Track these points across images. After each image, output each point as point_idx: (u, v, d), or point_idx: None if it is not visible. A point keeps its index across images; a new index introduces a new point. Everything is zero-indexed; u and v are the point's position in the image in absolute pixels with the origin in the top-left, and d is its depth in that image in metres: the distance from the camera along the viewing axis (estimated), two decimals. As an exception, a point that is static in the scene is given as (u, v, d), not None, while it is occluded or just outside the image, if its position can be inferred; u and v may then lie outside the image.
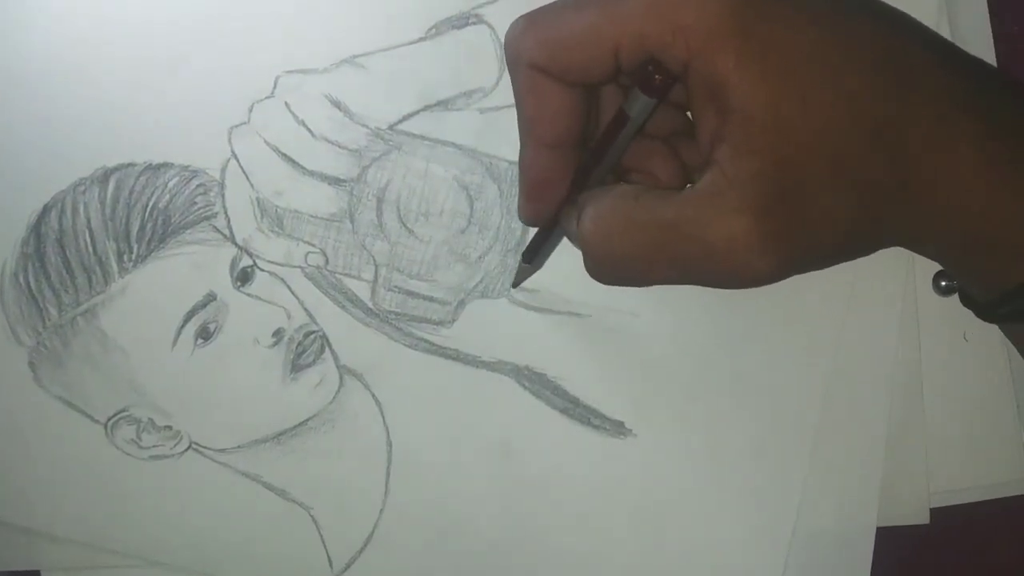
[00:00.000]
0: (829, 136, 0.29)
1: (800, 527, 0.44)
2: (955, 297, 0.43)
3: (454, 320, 0.44)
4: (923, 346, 0.44)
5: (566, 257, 0.44)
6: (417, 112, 0.44)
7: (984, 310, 0.34)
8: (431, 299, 0.44)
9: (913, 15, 0.37)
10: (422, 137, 0.44)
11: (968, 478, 0.45)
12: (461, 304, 0.44)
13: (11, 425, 0.45)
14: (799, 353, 0.44)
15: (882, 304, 0.44)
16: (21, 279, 0.44)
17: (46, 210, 0.44)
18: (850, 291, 0.44)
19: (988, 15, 0.43)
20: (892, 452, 0.44)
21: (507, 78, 0.43)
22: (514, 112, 0.44)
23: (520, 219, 0.39)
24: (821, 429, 0.44)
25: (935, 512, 0.44)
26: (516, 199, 0.44)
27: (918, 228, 0.32)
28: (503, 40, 0.36)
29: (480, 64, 0.44)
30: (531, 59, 0.34)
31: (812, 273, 0.44)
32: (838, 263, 0.33)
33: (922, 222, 0.32)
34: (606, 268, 0.34)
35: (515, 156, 0.44)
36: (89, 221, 0.44)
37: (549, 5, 0.34)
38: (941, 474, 0.44)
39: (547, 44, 0.33)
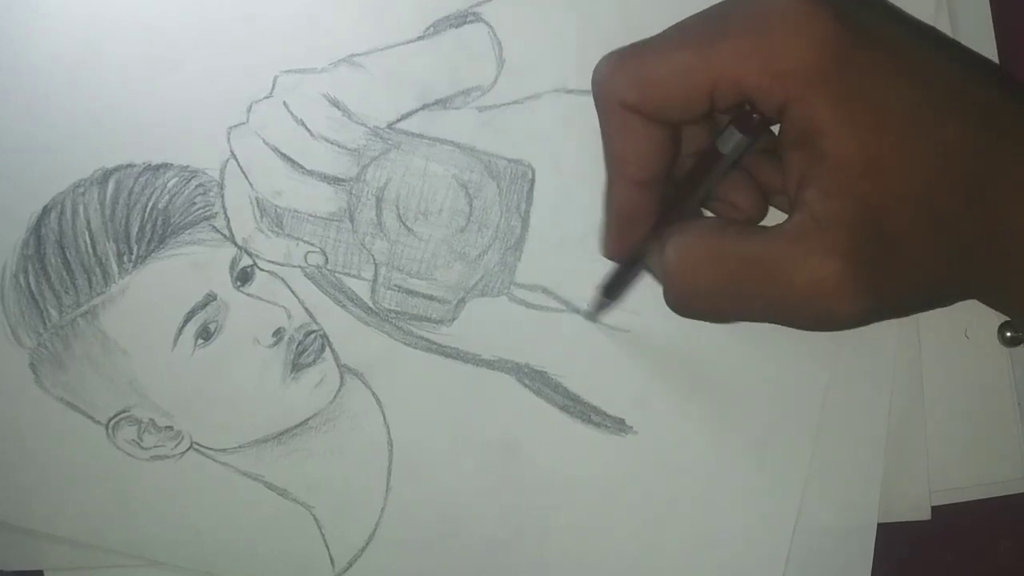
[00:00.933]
0: (922, 187, 0.30)
1: (801, 524, 0.44)
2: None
3: (454, 318, 0.44)
4: (923, 343, 0.44)
5: (567, 255, 0.44)
6: (416, 111, 0.44)
7: None
8: (431, 297, 0.44)
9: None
10: (421, 136, 0.44)
11: (969, 476, 0.45)
12: (461, 302, 0.44)
13: (13, 426, 0.45)
14: (800, 351, 0.44)
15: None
16: (21, 281, 0.44)
17: (46, 212, 0.44)
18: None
19: (990, 15, 0.43)
20: (893, 449, 0.44)
21: (505, 75, 0.44)
22: (512, 109, 0.44)
23: (603, 254, 0.39)
24: (822, 426, 0.44)
25: (936, 510, 0.44)
26: (515, 196, 0.44)
27: (1006, 279, 0.32)
28: (594, 78, 0.35)
29: (478, 62, 0.44)
30: (622, 98, 0.34)
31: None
32: (919, 312, 0.33)
33: (1010, 273, 0.31)
34: (688, 300, 0.34)
35: (513, 153, 0.44)
36: (89, 222, 0.44)
37: (640, 43, 0.35)
38: (942, 472, 0.44)
39: (640, 83, 0.33)
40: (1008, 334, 0.40)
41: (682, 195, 0.36)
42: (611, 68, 0.34)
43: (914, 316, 0.44)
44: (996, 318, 0.45)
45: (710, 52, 0.32)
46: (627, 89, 0.34)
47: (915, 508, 0.44)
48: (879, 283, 0.30)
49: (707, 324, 0.43)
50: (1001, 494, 0.45)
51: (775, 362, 0.44)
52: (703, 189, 0.35)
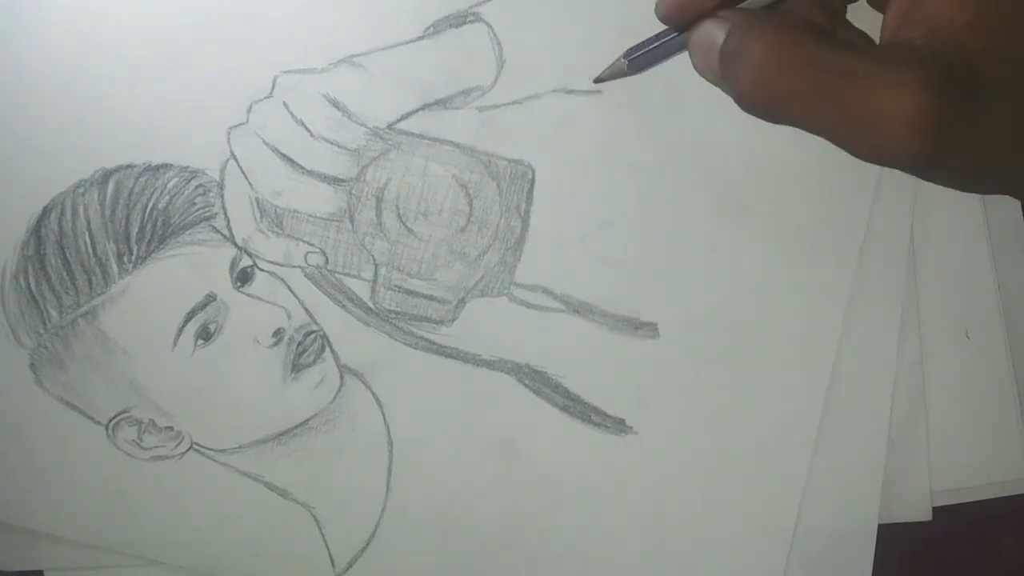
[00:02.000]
0: (1019, 46, 0.29)
1: (802, 524, 0.44)
2: (955, 296, 0.43)
3: (454, 319, 0.44)
4: (925, 344, 0.44)
5: (567, 255, 0.44)
6: (416, 111, 0.44)
7: None
8: (431, 298, 0.44)
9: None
10: (421, 136, 0.44)
11: (970, 477, 0.45)
12: (461, 303, 0.44)
13: (13, 426, 0.45)
14: (801, 351, 0.44)
15: (884, 302, 0.44)
16: (22, 281, 0.44)
17: (46, 212, 0.44)
18: (852, 289, 0.44)
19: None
20: (894, 449, 0.44)
21: (505, 76, 0.44)
22: (512, 110, 0.44)
23: (657, 14, 0.35)
24: (823, 427, 0.44)
25: (938, 511, 0.44)
26: (515, 196, 0.44)
27: None
28: None
29: (478, 62, 0.44)
30: None
31: (814, 270, 0.44)
32: (981, 189, 0.33)
33: None
34: (762, 96, 0.31)
35: (513, 153, 0.44)
36: (89, 223, 0.44)
37: None
38: (943, 473, 0.44)
39: None
40: None
41: None
42: None
43: (915, 317, 0.44)
44: (998, 318, 0.45)
45: None
46: None
47: (916, 508, 0.44)
48: (951, 128, 0.30)
49: (708, 322, 0.44)
50: (1002, 494, 0.45)
51: (776, 363, 0.44)
52: None
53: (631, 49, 0.36)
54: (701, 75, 0.33)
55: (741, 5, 0.34)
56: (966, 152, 0.31)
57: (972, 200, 0.45)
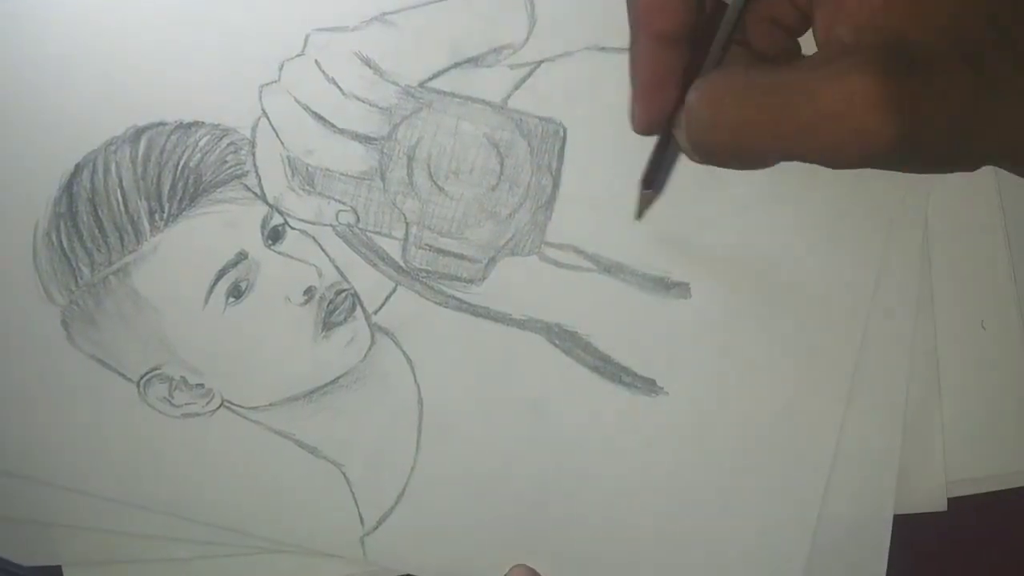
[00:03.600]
0: (948, 20, 0.29)
1: (819, 515, 0.43)
2: (970, 286, 0.43)
3: (484, 278, 0.44)
4: (940, 335, 0.44)
5: (598, 213, 0.44)
6: (447, 69, 0.44)
7: None
8: (461, 257, 0.44)
9: None
10: (452, 94, 0.44)
11: (985, 467, 0.44)
12: (492, 262, 0.44)
13: (45, 383, 0.45)
14: (830, 315, 0.44)
15: (899, 294, 0.44)
16: (54, 238, 0.45)
17: (78, 169, 0.44)
18: (869, 282, 0.44)
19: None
20: (910, 440, 0.44)
21: (537, 33, 0.44)
22: (544, 68, 0.44)
23: (633, 128, 0.36)
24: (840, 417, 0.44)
25: (953, 501, 0.44)
26: (546, 155, 0.44)
27: None
28: None
29: (510, 20, 0.44)
30: None
31: (834, 263, 0.44)
32: (947, 167, 0.32)
33: None
34: (709, 134, 0.32)
35: (544, 112, 0.44)
36: (121, 180, 0.44)
37: None
38: (958, 463, 0.44)
39: None
40: None
41: (703, 50, 0.35)
42: None
43: (931, 308, 0.44)
44: (1014, 309, 0.45)
45: None
46: None
47: (931, 499, 0.44)
48: (911, 103, 0.29)
49: (739, 284, 0.43)
50: (1018, 485, 0.44)
51: (806, 325, 0.44)
52: (720, 40, 0.34)
53: (644, 177, 0.38)
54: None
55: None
56: (933, 126, 0.30)
57: (988, 189, 0.45)
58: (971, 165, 0.32)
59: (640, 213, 0.40)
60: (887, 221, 0.44)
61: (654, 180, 0.38)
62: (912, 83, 0.29)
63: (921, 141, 0.30)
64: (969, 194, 0.45)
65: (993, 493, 0.45)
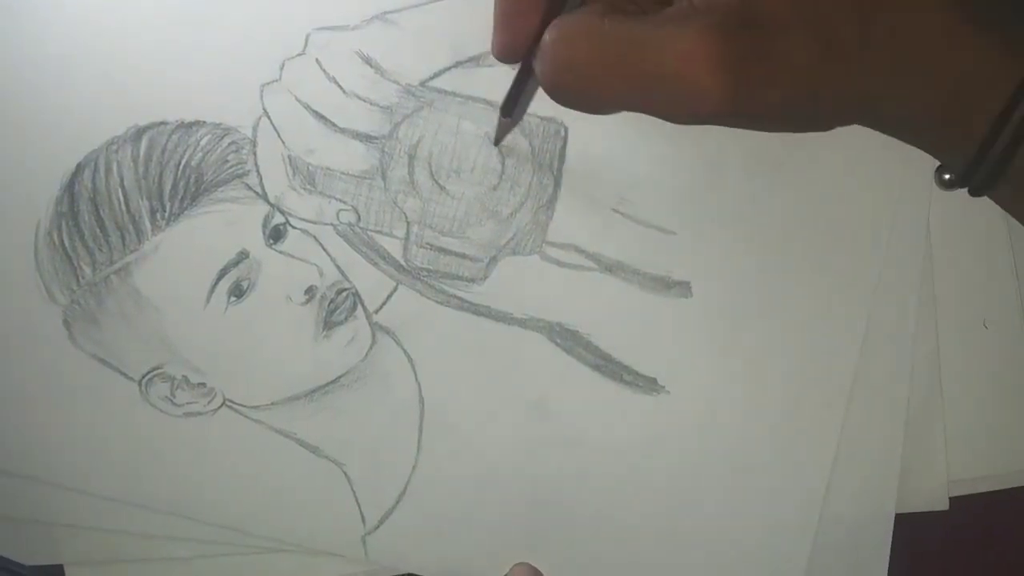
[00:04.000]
0: None
1: (820, 514, 0.43)
2: (972, 285, 0.43)
3: (486, 277, 0.44)
4: (942, 333, 0.44)
5: (600, 213, 0.44)
6: (448, 68, 0.44)
7: (971, 179, 0.33)
8: (463, 256, 0.44)
9: None
10: (453, 93, 0.44)
11: (987, 466, 0.44)
12: (493, 261, 0.44)
13: (47, 383, 0.45)
14: (832, 312, 0.44)
15: (900, 293, 0.44)
16: (55, 238, 0.45)
17: (79, 169, 0.44)
18: (870, 280, 0.44)
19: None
20: (911, 439, 0.44)
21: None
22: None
23: (493, 54, 0.36)
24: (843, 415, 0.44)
25: (955, 500, 0.44)
26: (547, 154, 0.44)
27: (880, 90, 0.31)
28: None
29: (511, 19, 0.44)
30: None
31: (836, 262, 0.44)
32: (793, 127, 0.33)
33: (884, 83, 0.31)
34: (561, 75, 0.32)
35: (546, 111, 0.44)
36: (122, 179, 0.44)
37: None
38: (960, 462, 0.44)
39: None
40: (945, 176, 0.38)
41: None
42: None
43: (932, 306, 0.44)
44: (1016, 307, 0.45)
45: None
46: None
47: (933, 498, 0.44)
48: (748, 65, 0.30)
49: (741, 283, 0.43)
50: (1020, 484, 0.44)
51: (808, 323, 0.44)
52: None
53: (503, 105, 0.38)
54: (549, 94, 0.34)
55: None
56: (766, 87, 0.31)
57: None
58: (823, 126, 0.33)
59: (498, 139, 0.41)
60: (889, 220, 0.44)
61: (513, 109, 0.38)
62: (748, 45, 0.30)
63: (754, 101, 0.30)
64: None
65: (995, 492, 0.45)
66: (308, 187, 0.44)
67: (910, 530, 0.43)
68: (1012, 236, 0.45)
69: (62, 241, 0.45)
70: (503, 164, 0.44)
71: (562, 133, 0.44)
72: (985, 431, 0.44)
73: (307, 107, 0.44)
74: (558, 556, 0.44)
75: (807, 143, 0.44)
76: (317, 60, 0.44)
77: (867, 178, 0.45)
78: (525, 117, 0.44)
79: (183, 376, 0.45)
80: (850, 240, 0.44)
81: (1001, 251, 0.45)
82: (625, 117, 0.43)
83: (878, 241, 0.44)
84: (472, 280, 0.44)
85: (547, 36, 0.32)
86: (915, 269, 0.44)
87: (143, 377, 0.45)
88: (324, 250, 0.44)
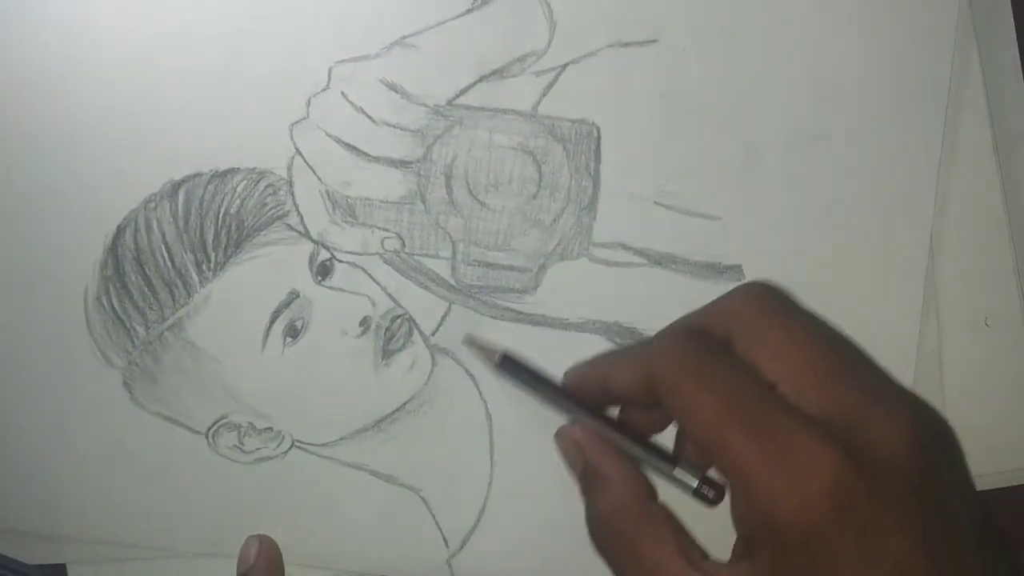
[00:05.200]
0: None
1: None
2: (974, 283, 0.44)
3: (537, 286, 0.44)
4: (943, 331, 0.44)
5: (641, 207, 0.44)
6: (473, 84, 0.44)
7: None
8: (511, 268, 0.44)
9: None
10: (482, 108, 0.44)
11: (989, 465, 0.44)
12: (542, 269, 0.44)
13: (115, 447, 0.45)
14: (886, 279, 0.44)
15: (902, 291, 0.44)
16: (104, 302, 0.45)
17: (120, 231, 0.45)
18: (871, 280, 0.44)
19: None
20: None
21: (558, 37, 0.44)
22: (569, 70, 0.44)
23: (566, 376, 0.39)
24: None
25: None
26: (583, 156, 0.44)
27: None
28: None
29: (530, 27, 0.44)
30: None
31: (838, 262, 0.44)
32: None
33: None
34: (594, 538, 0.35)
35: (576, 114, 0.44)
36: (164, 236, 0.44)
37: None
38: None
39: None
40: None
41: (632, 435, 0.36)
42: None
43: (934, 304, 0.44)
44: (1018, 305, 0.45)
45: None
46: None
47: None
48: None
49: (792, 262, 0.44)
50: (1020, 482, 0.44)
51: (864, 292, 0.44)
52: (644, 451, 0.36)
53: (508, 358, 0.40)
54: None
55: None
56: None
57: (991, 186, 0.45)
58: None
59: (473, 343, 0.43)
60: (891, 217, 0.44)
61: (508, 372, 0.41)
62: None
63: None
64: (973, 192, 0.45)
65: (996, 490, 0.44)
66: (349, 220, 0.44)
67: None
68: (1013, 234, 0.45)
69: (112, 304, 0.45)
70: (540, 172, 0.44)
71: (595, 133, 0.44)
72: (987, 429, 0.44)
73: (338, 140, 0.44)
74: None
75: (843, 115, 0.44)
76: (343, 93, 0.44)
77: (869, 178, 0.44)
78: (555, 123, 0.44)
79: (249, 423, 0.45)
80: (853, 236, 0.44)
81: (1003, 249, 0.45)
82: (656, 111, 0.44)
83: (879, 239, 0.44)
84: (524, 291, 0.44)
85: (592, 507, 0.35)
86: (918, 268, 0.44)
87: (209, 429, 0.45)
88: (373, 280, 0.44)
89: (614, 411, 0.37)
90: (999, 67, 0.45)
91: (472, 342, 0.42)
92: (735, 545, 0.32)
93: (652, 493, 0.34)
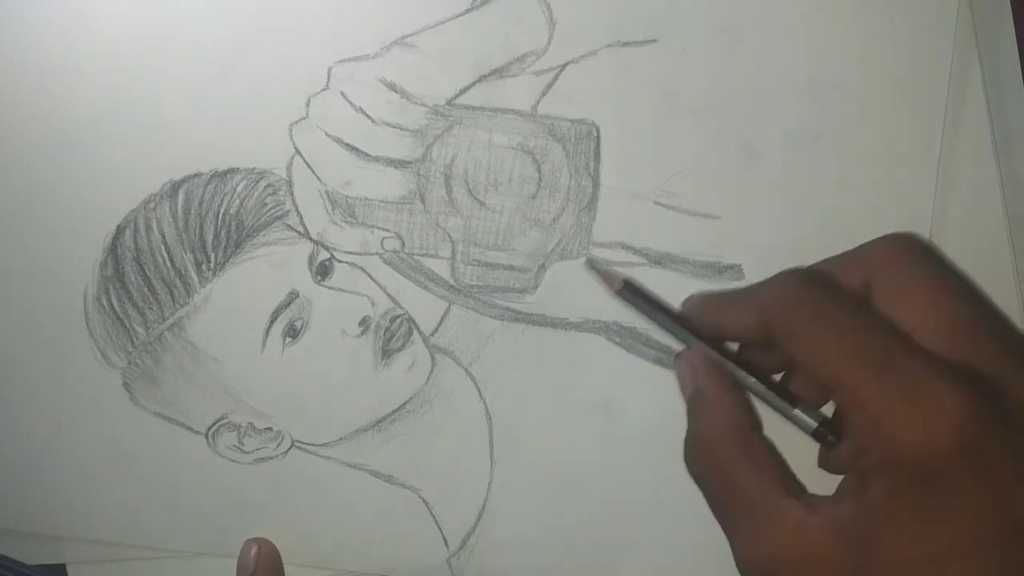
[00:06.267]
0: None
1: None
2: (975, 277, 0.43)
3: (537, 286, 0.44)
4: None
5: (641, 207, 0.44)
6: (473, 84, 0.44)
7: None
8: (511, 268, 0.44)
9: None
10: (481, 108, 0.44)
11: None
12: (541, 269, 0.44)
13: (114, 447, 0.45)
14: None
15: None
16: (104, 302, 0.45)
17: (120, 231, 0.45)
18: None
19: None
20: None
21: (557, 36, 0.44)
22: (569, 70, 0.44)
23: (686, 303, 0.40)
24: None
25: None
26: (582, 156, 0.44)
27: None
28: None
29: (529, 27, 0.44)
30: None
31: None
32: None
33: None
34: (687, 452, 0.36)
35: (575, 114, 0.44)
36: (164, 236, 0.44)
37: None
38: None
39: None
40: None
41: (751, 370, 0.36)
42: None
43: None
44: (1017, 307, 0.44)
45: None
46: None
47: None
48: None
49: (791, 260, 0.44)
50: None
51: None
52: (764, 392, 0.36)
53: (629, 284, 0.40)
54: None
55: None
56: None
57: (991, 188, 0.45)
58: None
59: (594, 268, 0.42)
60: (889, 216, 0.44)
61: (629, 299, 0.40)
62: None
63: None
64: (972, 192, 0.45)
65: None
66: (349, 220, 0.44)
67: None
68: (1012, 235, 0.45)
69: (111, 305, 0.45)
70: (540, 172, 0.44)
71: (594, 133, 0.44)
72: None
73: (338, 140, 0.44)
74: (645, 554, 0.44)
75: (842, 115, 0.44)
76: (342, 93, 0.44)
77: (868, 177, 0.44)
78: (555, 122, 0.44)
79: (249, 423, 0.45)
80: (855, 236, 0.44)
81: (1001, 250, 0.45)
82: (655, 110, 0.44)
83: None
84: (523, 291, 0.44)
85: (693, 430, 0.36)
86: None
87: (209, 429, 0.45)
88: (373, 280, 0.44)
89: (734, 344, 0.37)
90: (999, 67, 0.45)
91: (592, 266, 0.41)
92: (840, 484, 0.32)
93: (757, 424, 0.34)
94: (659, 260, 0.44)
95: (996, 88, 0.44)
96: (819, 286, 0.33)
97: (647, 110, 0.44)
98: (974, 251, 0.45)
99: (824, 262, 0.35)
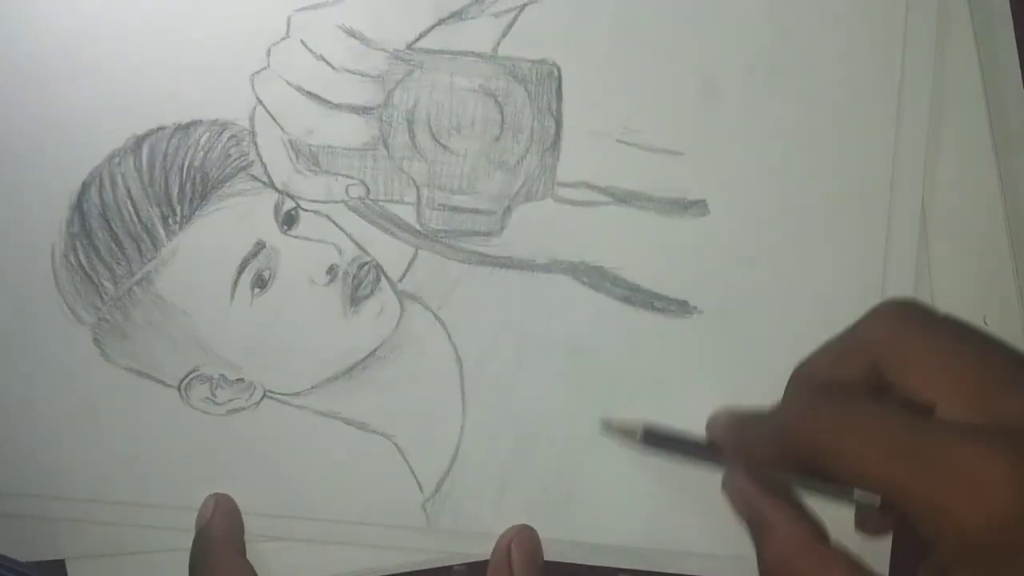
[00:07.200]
0: None
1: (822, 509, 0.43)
2: (972, 281, 0.44)
3: (503, 228, 0.44)
4: None
5: (605, 145, 0.44)
6: (432, 27, 0.44)
7: None
8: (476, 211, 0.44)
9: None
10: (441, 51, 0.44)
11: None
12: (507, 211, 0.44)
13: (87, 404, 0.45)
14: (859, 202, 0.44)
15: (898, 288, 0.44)
16: (72, 259, 0.45)
17: (85, 187, 0.45)
18: (875, 275, 0.44)
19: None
20: None
21: (516, -22, 0.44)
22: (528, 10, 0.44)
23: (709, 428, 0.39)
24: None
25: None
26: (544, 97, 0.44)
27: None
28: None
29: (487, -31, 0.44)
30: None
31: (840, 265, 0.44)
32: None
33: None
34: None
35: (536, 54, 0.44)
36: (129, 191, 0.44)
37: None
38: None
39: None
40: None
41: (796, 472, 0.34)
42: None
43: (931, 301, 0.44)
44: (1016, 305, 0.44)
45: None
46: None
47: None
48: None
49: (757, 194, 0.44)
50: None
51: (830, 219, 0.44)
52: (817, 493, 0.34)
53: (651, 432, 0.38)
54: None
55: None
56: None
57: (989, 183, 0.45)
58: None
59: (612, 428, 0.39)
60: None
61: (654, 445, 0.38)
62: None
63: None
64: (970, 187, 0.45)
65: None
66: (313, 168, 0.44)
67: (912, 527, 0.43)
68: (1012, 233, 0.45)
69: (79, 261, 0.45)
70: (502, 114, 0.44)
71: (556, 73, 0.44)
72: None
73: (299, 89, 0.44)
74: (617, 488, 0.44)
75: (801, 47, 0.44)
76: (302, 41, 0.44)
77: (866, 176, 0.44)
78: (516, 64, 0.44)
79: (220, 375, 0.45)
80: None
81: (1001, 247, 0.45)
82: (615, 48, 0.43)
83: (880, 235, 0.44)
84: (489, 234, 0.44)
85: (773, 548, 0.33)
86: (914, 267, 0.44)
87: (181, 382, 0.45)
88: (339, 228, 0.45)
89: None
90: (999, 67, 0.45)
91: (610, 426, 0.39)
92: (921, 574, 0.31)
93: (822, 535, 0.33)
94: (624, 198, 0.44)
95: (996, 88, 0.44)
96: (833, 393, 0.32)
97: (607, 48, 0.44)
98: (973, 250, 0.45)
99: (825, 351, 0.34)
